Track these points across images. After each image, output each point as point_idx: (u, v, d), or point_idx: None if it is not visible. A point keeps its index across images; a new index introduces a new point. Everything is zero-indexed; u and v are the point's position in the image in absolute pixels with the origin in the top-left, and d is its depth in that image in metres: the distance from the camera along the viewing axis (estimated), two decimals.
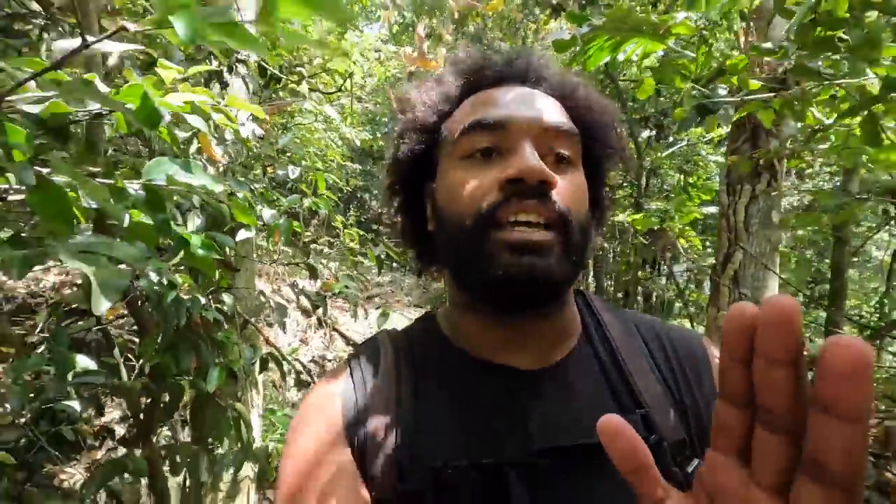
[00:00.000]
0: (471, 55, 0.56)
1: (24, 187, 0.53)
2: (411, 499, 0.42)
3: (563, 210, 0.46)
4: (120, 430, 2.41)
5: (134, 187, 0.65)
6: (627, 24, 1.00)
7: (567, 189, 0.47)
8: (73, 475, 2.14)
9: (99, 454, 2.31)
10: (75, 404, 1.20)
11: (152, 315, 1.21)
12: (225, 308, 1.36)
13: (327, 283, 1.81)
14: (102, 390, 1.45)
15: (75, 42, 0.48)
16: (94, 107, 0.71)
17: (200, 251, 0.78)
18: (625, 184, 4.36)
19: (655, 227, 2.75)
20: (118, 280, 0.50)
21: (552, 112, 0.49)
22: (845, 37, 0.86)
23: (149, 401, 1.30)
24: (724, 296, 2.04)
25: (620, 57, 1.12)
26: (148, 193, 0.66)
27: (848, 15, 0.84)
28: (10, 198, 0.66)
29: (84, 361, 1.09)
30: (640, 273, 5.07)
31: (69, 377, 1.07)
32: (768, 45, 1.06)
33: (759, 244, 1.99)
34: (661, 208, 3.00)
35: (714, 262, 2.22)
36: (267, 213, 1.35)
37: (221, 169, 1.43)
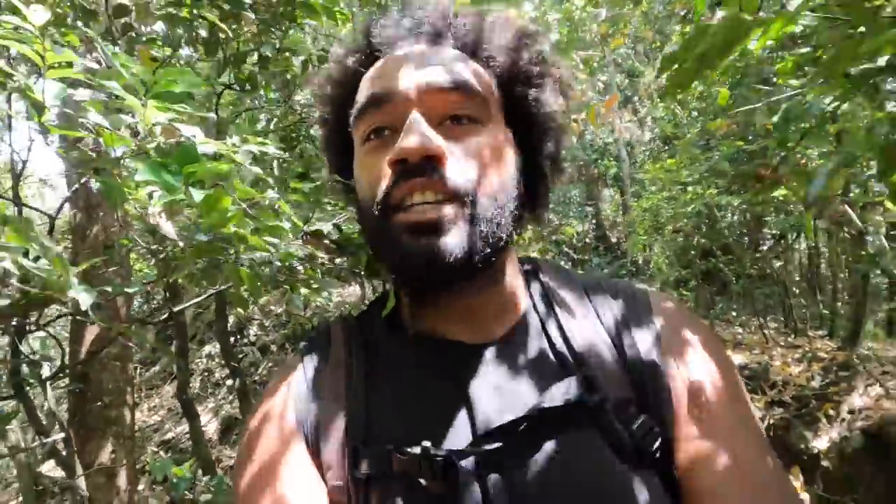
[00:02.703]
0: (369, 21, 0.52)
1: None
2: (364, 484, 0.41)
3: (461, 181, 0.43)
4: None
5: None
6: None
7: (469, 151, 0.44)
8: None
9: None
10: None
11: None
12: None
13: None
14: None
15: None
16: None
17: None
18: None
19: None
20: None
21: (439, 71, 0.45)
22: None
23: None
24: None
25: None
26: None
27: None
28: None
29: None
30: None
31: None
32: None
33: None
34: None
35: None
36: None
37: None
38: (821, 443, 2.96)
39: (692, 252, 4.95)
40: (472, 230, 0.43)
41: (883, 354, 3.48)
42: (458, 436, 0.42)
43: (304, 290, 1.15)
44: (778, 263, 4.91)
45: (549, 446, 0.41)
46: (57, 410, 1.37)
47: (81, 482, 1.36)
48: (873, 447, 2.49)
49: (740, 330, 4.95)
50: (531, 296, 0.51)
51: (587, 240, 8.57)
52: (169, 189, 0.52)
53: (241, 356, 4.70)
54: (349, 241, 1.01)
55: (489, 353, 0.46)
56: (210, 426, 4.28)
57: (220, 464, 3.73)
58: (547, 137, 0.51)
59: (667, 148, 5.97)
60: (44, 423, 1.43)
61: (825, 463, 2.72)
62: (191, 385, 4.11)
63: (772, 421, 3.37)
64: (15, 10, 0.49)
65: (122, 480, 1.69)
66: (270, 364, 4.81)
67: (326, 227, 1.05)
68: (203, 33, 1.17)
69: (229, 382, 4.80)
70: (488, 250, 0.44)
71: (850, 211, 2.01)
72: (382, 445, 0.42)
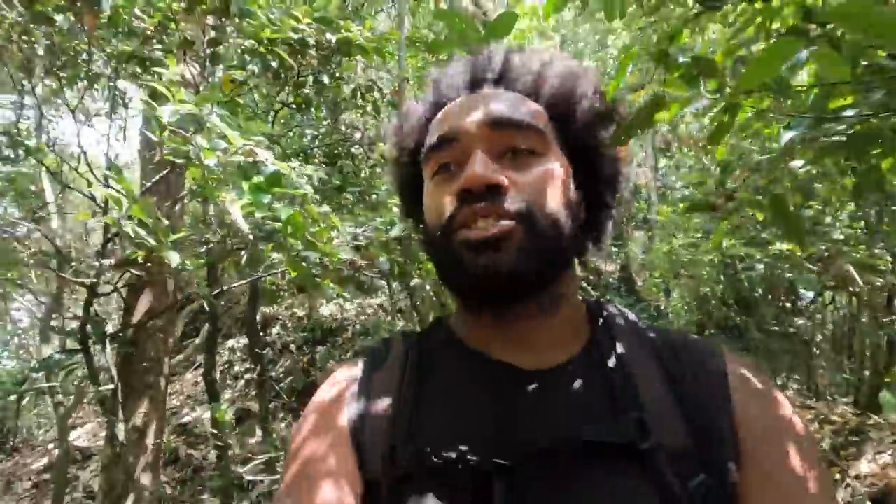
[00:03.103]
0: (440, 70, 0.57)
1: None
2: (399, 481, 0.42)
3: (521, 205, 0.45)
4: None
5: None
6: None
7: (528, 182, 0.46)
8: None
9: None
10: None
11: None
12: None
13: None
14: None
15: None
16: None
17: None
18: None
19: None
20: None
21: (501, 108, 0.48)
22: None
23: None
24: None
25: None
26: None
27: None
28: None
29: None
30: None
31: None
32: None
33: None
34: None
35: None
36: None
37: None
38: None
39: (711, 301, 4.95)
40: (530, 245, 0.44)
41: None
42: (498, 450, 0.41)
43: (332, 286, 1.35)
44: (802, 321, 4.85)
45: (588, 481, 0.39)
46: (111, 366, 1.61)
47: (120, 428, 1.58)
48: None
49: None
50: (593, 331, 0.50)
51: (611, 279, 8.56)
52: (260, 206, 0.76)
53: (261, 352, 4.94)
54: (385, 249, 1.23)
55: (542, 379, 0.46)
56: (226, 416, 4.50)
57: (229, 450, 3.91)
58: (604, 167, 0.54)
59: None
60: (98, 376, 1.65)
61: None
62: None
63: None
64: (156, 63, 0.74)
65: (150, 438, 1.90)
66: (288, 362, 5.04)
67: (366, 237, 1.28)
68: (274, 64, 1.44)
69: (247, 377, 5.05)
70: (545, 267, 0.46)
71: (851, 270, 2.08)
72: (421, 446, 0.42)
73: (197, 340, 5.35)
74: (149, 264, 1.69)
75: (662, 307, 6.82)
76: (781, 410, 0.43)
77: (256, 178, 0.80)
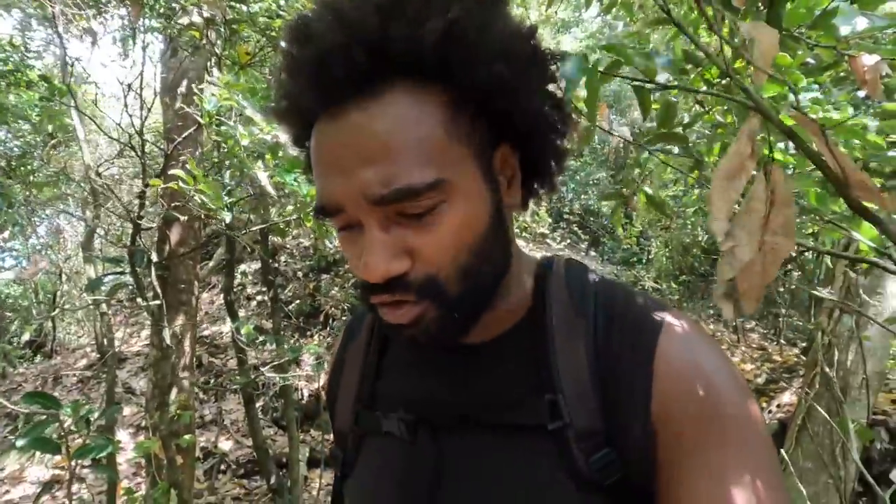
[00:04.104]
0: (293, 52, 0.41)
1: None
2: (360, 438, 0.52)
3: (427, 284, 0.40)
4: None
5: None
6: None
7: (430, 248, 0.40)
8: None
9: None
10: None
11: None
12: None
13: None
14: None
15: None
16: None
17: None
18: None
19: None
20: None
21: (377, 173, 0.37)
22: None
23: None
24: None
25: None
26: None
27: None
28: None
29: None
30: None
31: None
32: None
33: None
34: None
35: None
36: None
37: None
38: None
39: (693, 249, 5.29)
40: (446, 314, 0.41)
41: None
42: (430, 412, 0.48)
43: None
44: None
45: (499, 449, 0.44)
46: (155, 285, 2.01)
47: (166, 333, 2.01)
48: (783, 433, 2.94)
49: (722, 328, 5.35)
50: (534, 302, 0.48)
51: (608, 222, 8.85)
52: (282, 176, 1.08)
53: (273, 278, 5.43)
54: None
55: (478, 352, 0.48)
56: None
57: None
58: (542, 135, 0.45)
59: None
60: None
61: None
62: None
63: None
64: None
65: (186, 344, 2.35)
66: (295, 287, 5.53)
67: None
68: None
69: (259, 298, 5.57)
70: (472, 317, 0.44)
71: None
72: (377, 409, 0.51)
73: (210, 263, 5.81)
74: (176, 204, 2.07)
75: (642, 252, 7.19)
76: (707, 391, 0.40)
77: (280, 153, 1.14)
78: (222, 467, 3.69)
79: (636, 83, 0.65)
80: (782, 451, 2.53)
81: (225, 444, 3.90)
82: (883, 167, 0.73)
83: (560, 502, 0.41)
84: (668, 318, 0.44)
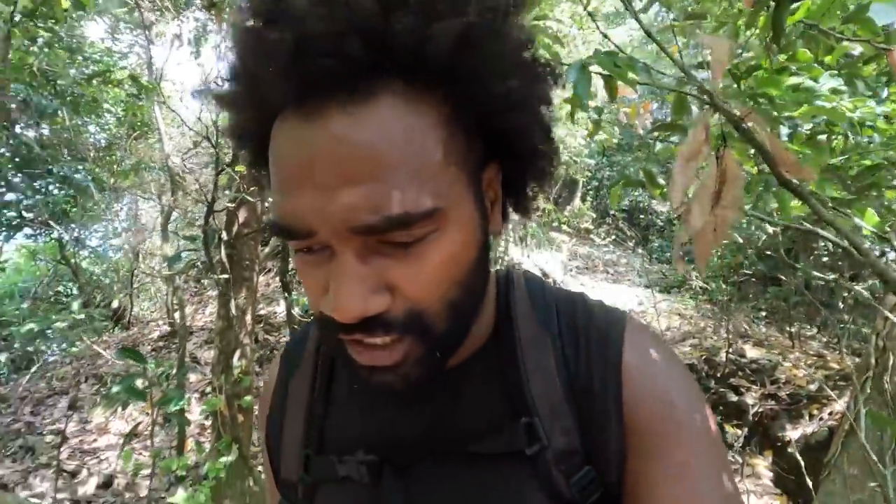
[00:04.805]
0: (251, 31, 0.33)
1: None
2: (312, 488, 0.45)
3: (410, 321, 0.35)
4: None
5: None
6: None
7: (416, 283, 0.34)
8: None
9: None
10: None
11: None
12: None
13: None
14: None
15: None
16: None
17: None
18: None
19: None
20: None
21: (366, 195, 0.31)
22: None
23: None
24: None
25: None
26: None
27: None
28: None
29: None
30: None
31: None
32: None
33: None
34: None
35: None
36: None
37: None
38: (795, 434, 3.32)
39: (748, 249, 5.06)
40: (429, 353, 0.37)
41: None
42: (393, 449, 0.43)
43: None
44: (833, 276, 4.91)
45: (475, 481, 0.41)
46: (224, 261, 2.26)
47: (232, 304, 2.26)
48: (830, 440, 2.83)
49: (776, 332, 5.10)
50: (497, 320, 0.45)
51: (659, 220, 8.58)
52: None
53: None
54: None
55: (443, 378, 0.43)
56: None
57: None
58: (531, 157, 0.41)
59: None
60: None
61: (790, 449, 3.10)
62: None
63: (761, 410, 3.73)
64: None
65: (248, 316, 2.62)
66: None
67: None
68: None
69: None
70: (450, 354, 0.40)
71: None
72: (329, 452, 0.44)
73: (266, 249, 6.24)
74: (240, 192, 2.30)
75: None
76: (674, 400, 0.40)
77: None
78: None
79: (605, 74, 0.71)
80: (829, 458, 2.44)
81: None
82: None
83: None
84: (627, 327, 0.44)
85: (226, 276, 2.20)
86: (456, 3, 0.31)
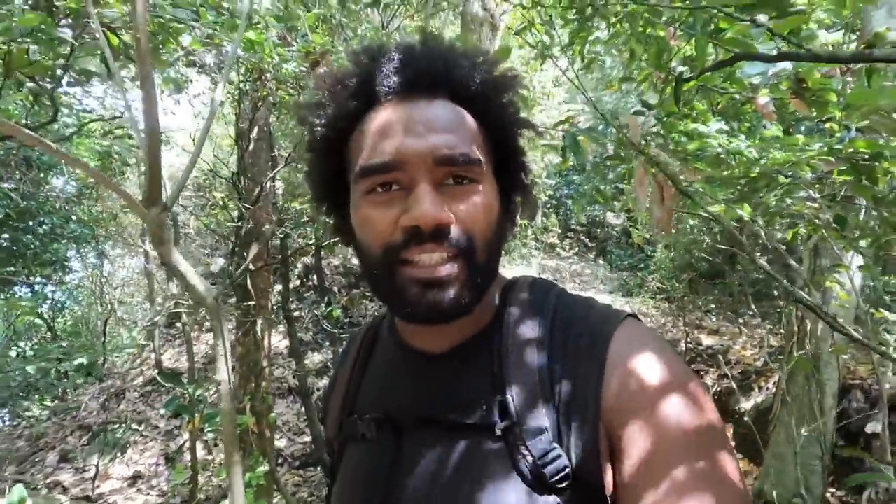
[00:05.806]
0: (368, 53, 0.52)
1: None
2: (344, 442, 0.58)
3: (464, 241, 0.46)
4: None
5: None
6: None
7: (469, 213, 0.47)
8: None
9: None
10: None
11: None
12: None
13: None
14: None
15: None
16: None
17: None
18: None
19: None
20: None
21: (448, 141, 0.46)
22: None
23: None
24: None
25: None
26: None
27: None
28: None
29: None
30: None
31: None
32: None
33: None
34: None
35: None
36: None
37: None
38: (747, 405, 3.84)
39: (695, 252, 5.72)
40: (471, 281, 0.47)
41: None
42: (397, 416, 0.53)
43: None
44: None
45: (454, 448, 0.47)
46: (250, 288, 2.53)
47: (258, 327, 2.53)
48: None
49: (726, 322, 5.74)
50: (497, 314, 0.54)
51: (614, 231, 9.27)
52: None
53: (328, 287, 5.95)
54: None
55: (442, 360, 0.53)
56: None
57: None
58: (522, 172, 0.56)
59: None
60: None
61: (746, 419, 3.58)
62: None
63: (720, 388, 4.26)
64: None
65: (266, 340, 2.86)
66: (330, 299, 6.07)
67: None
68: None
69: (297, 314, 6.11)
70: (481, 294, 0.49)
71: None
72: (356, 416, 0.56)
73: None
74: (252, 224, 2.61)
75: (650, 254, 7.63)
76: (659, 390, 0.43)
77: None
78: (279, 461, 4.15)
79: (572, 132, 1.15)
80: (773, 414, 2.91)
81: (279, 443, 4.36)
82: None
83: (508, 499, 0.43)
84: (621, 324, 0.48)
85: (251, 302, 2.47)
86: (486, 66, 0.52)
